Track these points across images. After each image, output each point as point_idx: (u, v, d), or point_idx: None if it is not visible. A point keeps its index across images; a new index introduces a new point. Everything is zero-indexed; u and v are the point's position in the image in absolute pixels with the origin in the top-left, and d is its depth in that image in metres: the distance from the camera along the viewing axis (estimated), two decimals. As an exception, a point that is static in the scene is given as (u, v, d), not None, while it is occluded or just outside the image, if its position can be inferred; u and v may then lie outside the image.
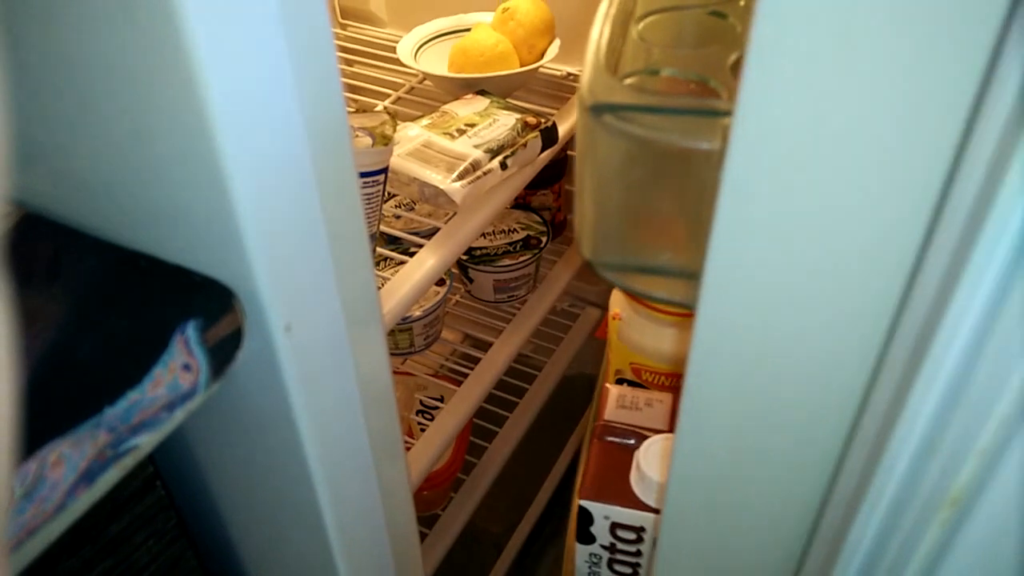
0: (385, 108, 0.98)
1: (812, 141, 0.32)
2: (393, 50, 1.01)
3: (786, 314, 0.37)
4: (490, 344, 1.01)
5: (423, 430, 0.93)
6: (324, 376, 0.52)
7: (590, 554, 0.67)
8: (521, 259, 1.01)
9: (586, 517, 0.64)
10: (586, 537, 0.65)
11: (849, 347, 0.37)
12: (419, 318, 0.93)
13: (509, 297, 1.06)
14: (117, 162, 0.43)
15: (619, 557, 0.66)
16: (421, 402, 1.04)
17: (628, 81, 0.56)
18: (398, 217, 0.95)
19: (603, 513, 0.63)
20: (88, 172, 0.45)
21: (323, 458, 0.54)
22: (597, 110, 0.49)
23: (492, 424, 1.12)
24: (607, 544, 0.65)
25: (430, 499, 1.03)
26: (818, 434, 0.41)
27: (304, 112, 0.43)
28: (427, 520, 1.01)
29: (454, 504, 1.04)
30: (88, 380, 0.39)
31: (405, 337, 0.95)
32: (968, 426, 0.31)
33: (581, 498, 0.63)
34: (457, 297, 1.17)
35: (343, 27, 1.18)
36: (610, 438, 0.67)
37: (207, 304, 0.43)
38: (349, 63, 1.14)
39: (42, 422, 0.35)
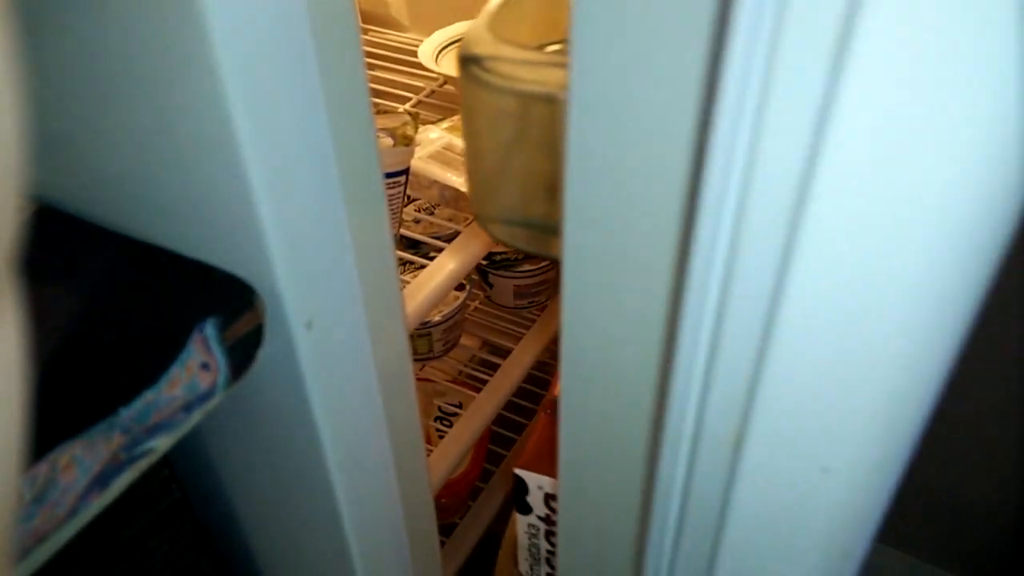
0: (406, 110, 0.97)
1: (627, 88, 0.33)
2: (414, 54, 1.00)
3: (617, 267, 0.39)
4: (509, 350, 0.99)
5: (441, 437, 0.91)
6: (345, 375, 0.51)
7: (528, 525, 0.68)
8: (542, 264, 1.00)
9: (521, 487, 0.65)
10: (523, 507, 0.66)
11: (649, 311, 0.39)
12: (438, 323, 0.92)
13: (529, 303, 1.04)
14: (136, 154, 0.42)
15: (555, 529, 0.66)
16: (440, 408, 1.02)
17: (552, 48, 0.60)
18: (418, 221, 0.94)
19: (537, 483, 0.64)
20: (106, 164, 0.44)
21: (342, 460, 0.53)
22: (465, 61, 0.53)
23: (511, 431, 1.11)
24: (543, 515, 0.66)
25: (448, 507, 1.02)
26: (639, 393, 0.43)
27: (328, 105, 0.42)
28: (445, 528, 0.99)
29: (472, 512, 1.03)
30: (102, 379, 0.38)
31: (424, 342, 0.94)
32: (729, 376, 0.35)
33: (516, 467, 0.64)
34: (476, 303, 1.16)
35: (364, 31, 1.17)
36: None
37: (227, 301, 0.42)
38: (370, 67, 1.13)
39: (54, 422, 0.34)
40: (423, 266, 0.78)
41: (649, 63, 0.31)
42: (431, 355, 0.96)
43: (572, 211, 0.38)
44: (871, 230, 0.28)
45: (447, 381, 1.08)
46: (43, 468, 0.33)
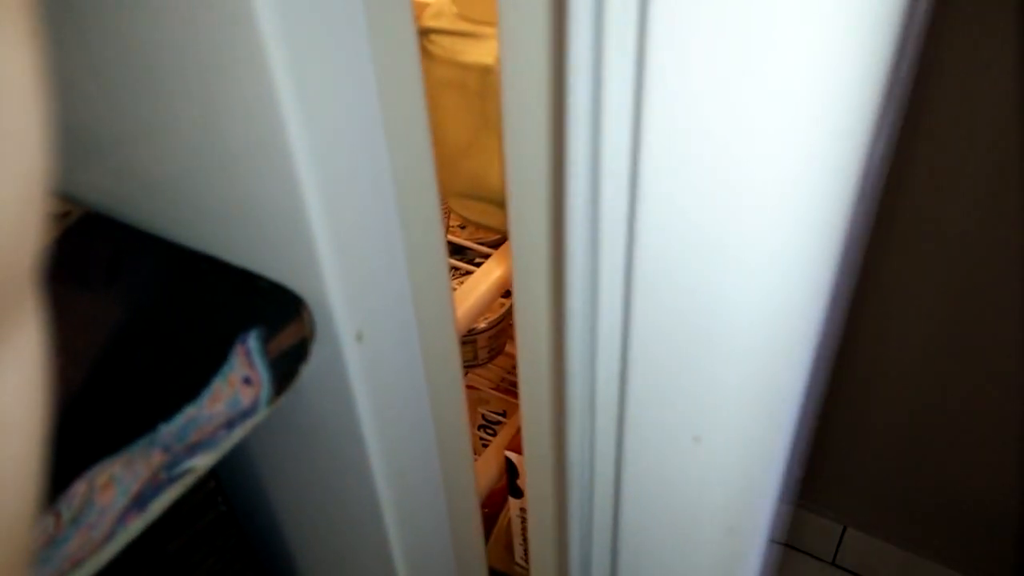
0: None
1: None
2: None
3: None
4: (556, 358, 0.97)
5: (485, 445, 0.89)
6: (395, 389, 0.49)
7: (520, 508, 0.67)
8: (590, 270, 0.97)
9: (512, 469, 0.65)
10: (515, 491, 0.66)
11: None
12: (484, 330, 0.90)
13: (576, 309, 1.02)
14: (184, 157, 0.41)
15: (545, 513, 0.65)
16: (483, 416, 1.01)
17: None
18: (463, 227, 0.92)
19: None
20: (153, 168, 0.43)
21: (390, 476, 0.51)
22: (419, 35, 0.54)
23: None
24: None
25: (491, 517, 1.00)
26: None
27: (383, 106, 0.40)
28: (486, 538, 0.97)
29: (516, 523, 1.01)
30: (142, 393, 0.36)
31: (469, 349, 0.92)
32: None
33: (507, 449, 0.63)
34: (521, 309, 1.14)
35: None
36: None
37: (271, 311, 0.40)
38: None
39: (92, 438, 0.33)
40: (469, 272, 0.76)
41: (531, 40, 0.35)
42: (475, 362, 0.94)
43: (513, 183, 0.40)
44: (701, 190, 0.29)
45: (490, 388, 1.06)
46: (81, 488, 0.31)
